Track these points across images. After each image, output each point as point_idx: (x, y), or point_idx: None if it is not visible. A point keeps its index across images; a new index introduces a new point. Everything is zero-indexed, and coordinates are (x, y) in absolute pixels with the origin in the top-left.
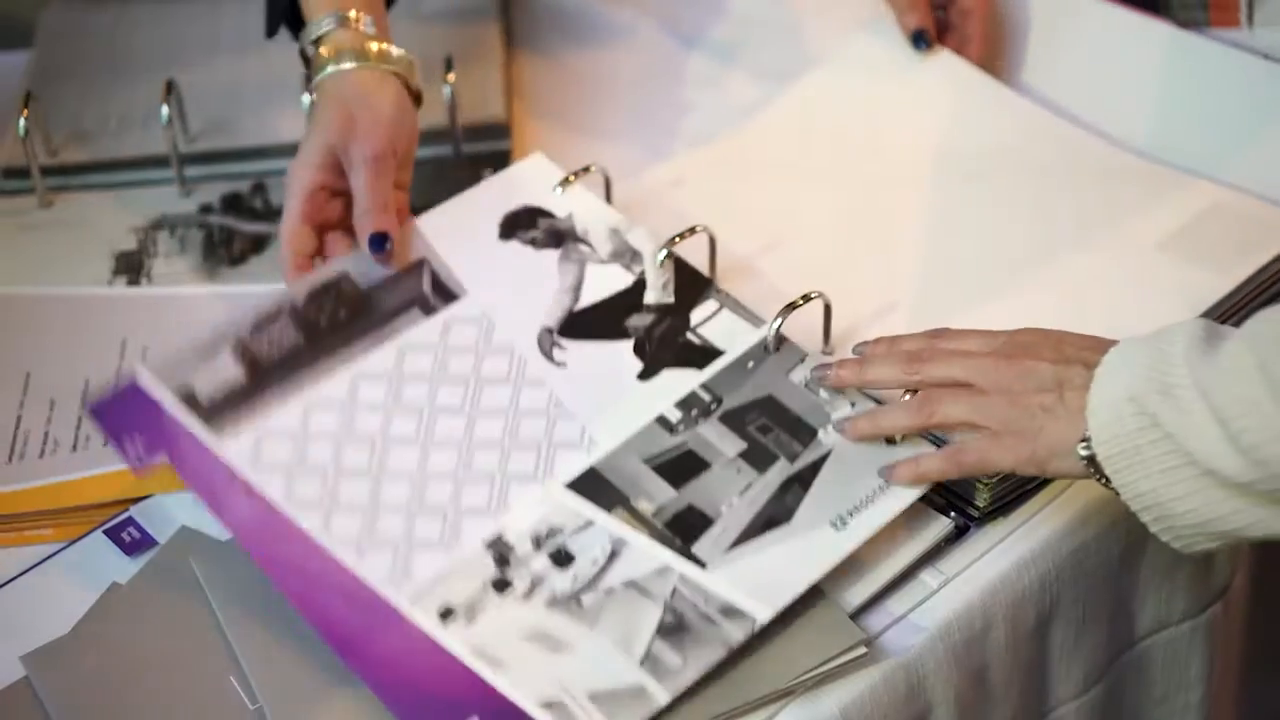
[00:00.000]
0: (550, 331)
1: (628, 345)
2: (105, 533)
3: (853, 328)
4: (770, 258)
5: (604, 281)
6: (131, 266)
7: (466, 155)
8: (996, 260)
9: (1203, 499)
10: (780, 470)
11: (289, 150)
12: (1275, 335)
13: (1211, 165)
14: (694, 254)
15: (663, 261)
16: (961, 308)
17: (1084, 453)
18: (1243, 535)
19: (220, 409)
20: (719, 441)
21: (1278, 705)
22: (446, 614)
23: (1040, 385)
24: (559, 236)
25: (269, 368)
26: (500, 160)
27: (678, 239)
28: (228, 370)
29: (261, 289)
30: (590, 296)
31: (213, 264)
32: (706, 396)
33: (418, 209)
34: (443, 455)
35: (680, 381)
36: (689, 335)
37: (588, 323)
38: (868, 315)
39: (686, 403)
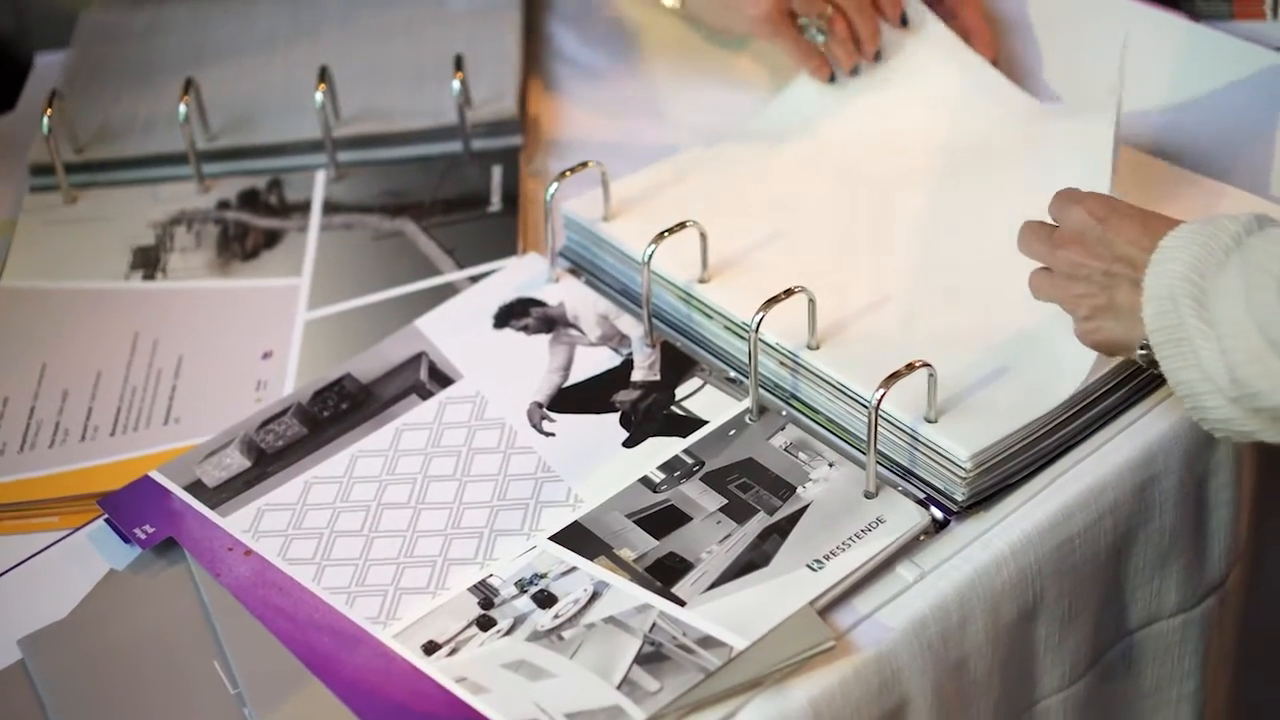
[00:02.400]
0: (540, 405)
1: (614, 417)
2: (107, 521)
3: (842, 322)
4: (763, 254)
5: (593, 362)
6: (148, 261)
7: (476, 151)
8: (993, 257)
9: (1218, 401)
10: (760, 521)
11: (305, 147)
12: (1260, 260)
13: (1226, 162)
14: (686, 249)
15: (650, 258)
16: (954, 304)
17: (1141, 354)
18: (1257, 439)
19: (225, 492)
20: (700, 498)
21: (1276, 697)
22: (430, 648)
23: (1089, 286)
24: (550, 322)
25: (272, 455)
26: (510, 157)
27: (667, 234)
28: (233, 460)
29: (270, 283)
30: (579, 375)
31: (226, 259)
32: (689, 460)
33: (425, 205)
34: (433, 516)
35: (664, 448)
36: (674, 408)
37: (576, 398)
38: (858, 310)
39: (669, 465)
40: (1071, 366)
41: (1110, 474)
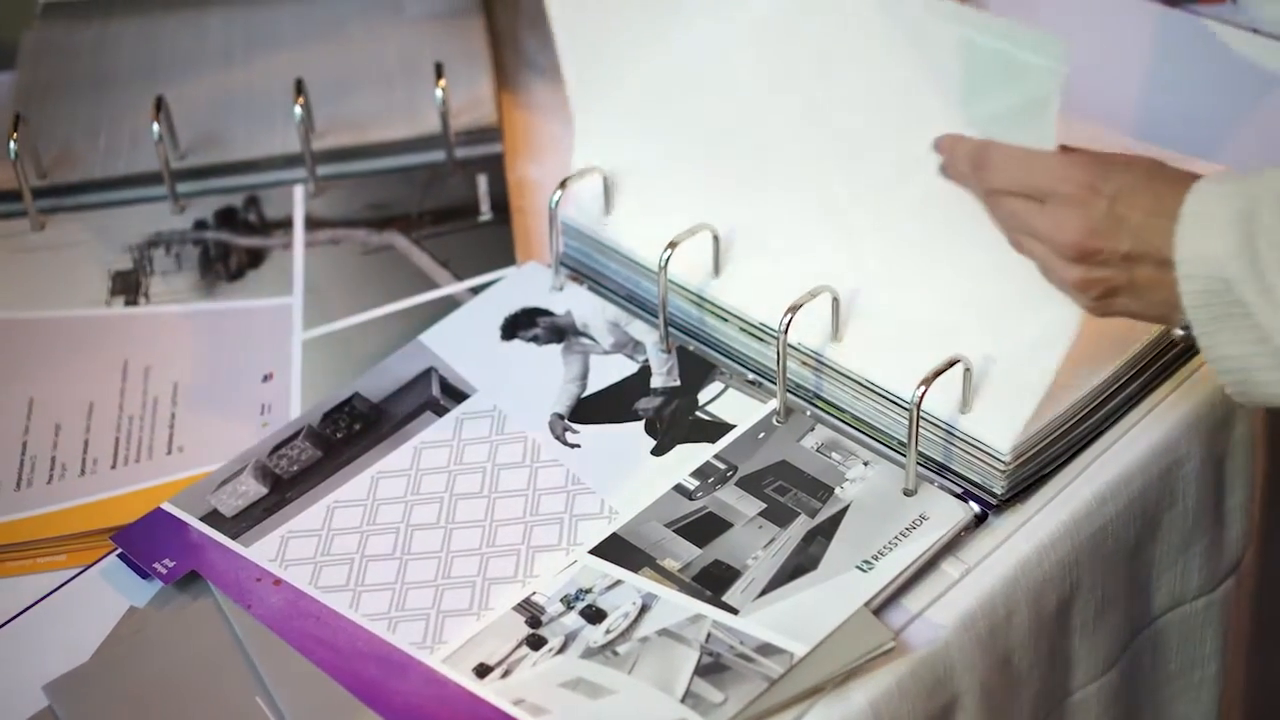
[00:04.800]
0: (561, 417)
1: (638, 426)
2: (120, 556)
3: (862, 316)
4: (769, 249)
5: (609, 370)
6: (129, 286)
7: (459, 160)
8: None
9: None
10: (802, 524)
11: (280, 162)
12: None
13: (1200, 143)
14: (692, 250)
15: (666, 264)
16: (973, 288)
17: (1181, 332)
18: None
19: (244, 521)
20: (737, 503)
21: None
22: (482, 671)
23: (1104, 269)
24: (560, 332)
25: (289, 480)
26: (493, 164)
27: (681, 239)
28: (249, 488)
29: (261, 304)
30: (597, 384)
31: (210, 280)
32: (721, 465)
33: (412, 217)
34: (467, 535)
35: (694, 455)
36: (698, 413)
37: (597, 408)
38: (876, 302)
39: (702, 472)
40: (1054, 335)
41: (1138, 460)
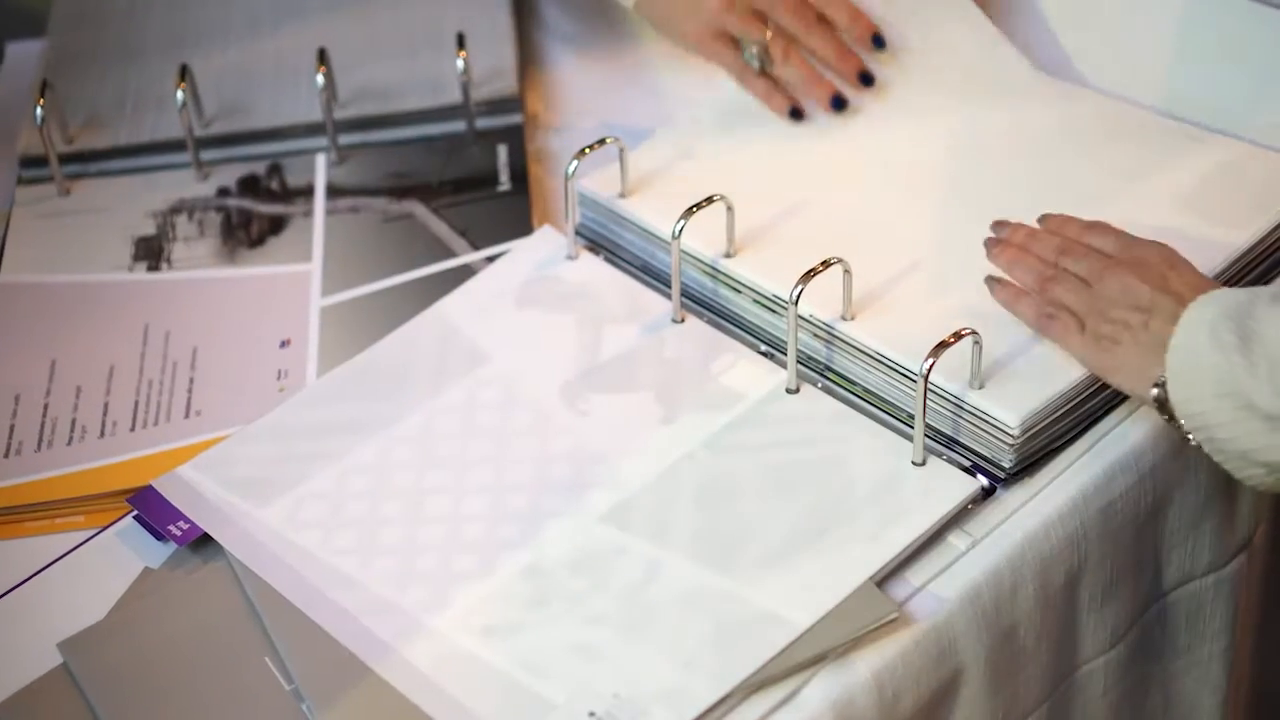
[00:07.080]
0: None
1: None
2: (136, 518)
3: (873, 292)
4: (786, 225)
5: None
6: (151, 251)
7: (480, 130)
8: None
9: (1243, 429)
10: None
11: (303, 131)
12: None
13: (1227, 119)
14: (708, 223)
15: (680, 234)
16: (984, 270)
17: (1155, 392)
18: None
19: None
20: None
21: None
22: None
23: (1134, 303)
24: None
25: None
26: (513, 134)
27: (695, 209)
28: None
29: (281, 270)
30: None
31: (232, 246)
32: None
33: (432, 187)
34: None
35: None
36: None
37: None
38: (888, 279)
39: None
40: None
41: (1149, 436)
